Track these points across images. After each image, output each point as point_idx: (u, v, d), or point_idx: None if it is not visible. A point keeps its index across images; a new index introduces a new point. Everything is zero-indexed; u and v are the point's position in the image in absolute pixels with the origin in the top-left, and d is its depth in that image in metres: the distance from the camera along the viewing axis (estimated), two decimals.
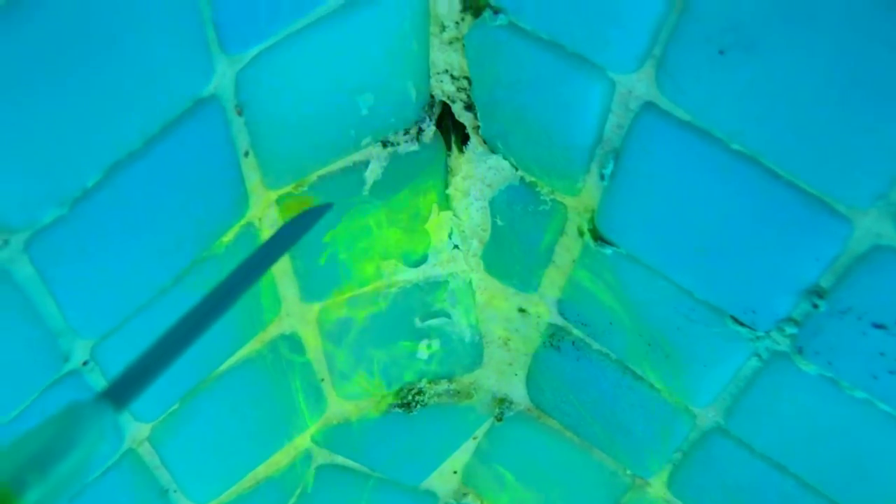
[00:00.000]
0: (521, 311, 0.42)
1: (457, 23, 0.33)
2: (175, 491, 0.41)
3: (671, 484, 0.42)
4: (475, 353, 0.45)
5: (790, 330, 0.31)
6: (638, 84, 0.30)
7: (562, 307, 0.40)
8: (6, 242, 0.25)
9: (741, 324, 0.33)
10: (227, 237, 0.34)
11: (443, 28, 0.34)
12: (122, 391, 0.23)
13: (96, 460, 0.21)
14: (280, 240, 0.31)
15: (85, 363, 0.31)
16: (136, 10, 0.24)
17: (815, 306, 0.30)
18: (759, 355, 0.33)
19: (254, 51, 0.29)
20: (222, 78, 0.29)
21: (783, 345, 0.32)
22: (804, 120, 0.26)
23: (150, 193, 0.29)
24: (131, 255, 0.30)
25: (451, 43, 0.34)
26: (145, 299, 0.32)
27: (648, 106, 0.30)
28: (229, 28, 0.28)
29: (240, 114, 0.30)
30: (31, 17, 0.22)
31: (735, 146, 0.28)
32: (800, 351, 0.31)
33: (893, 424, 0.31)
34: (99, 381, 0.32)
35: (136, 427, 0.36)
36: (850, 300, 0.29)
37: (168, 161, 0.28)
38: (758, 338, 0.32)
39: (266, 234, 0.36)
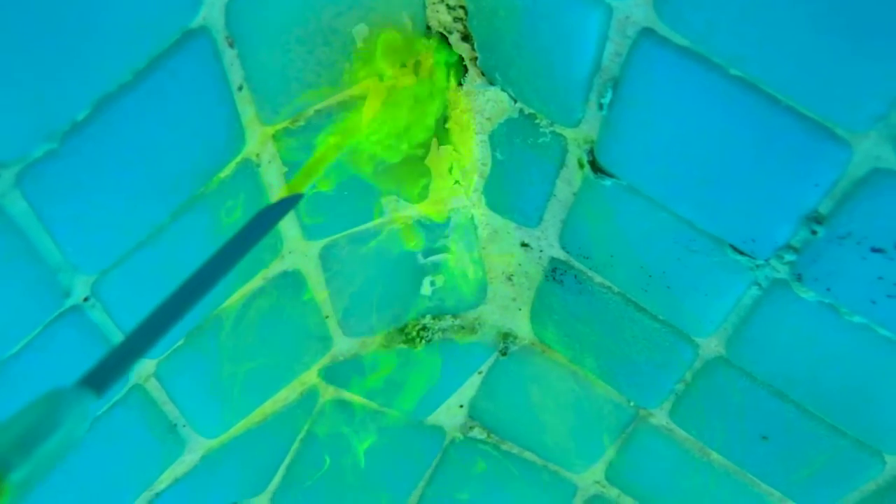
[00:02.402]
0: (524, 245, 0.42)
1: None
2: (184, 426, 0.41)
3: (674, 414, 0.42)
4: (479, 289, 0.46)
5: (789, 257, 0.31)
6: (636, 9, 0.29)
7: (564, 241, 0.40)
8: None
9: (741, 253, 0.32)
10: (225, 173, 0.34)
11: None
12: (103, 376, 0.24)
13: (77, 441, 0.22)
14: (254, 228, 0.31)
15: (86, 299, 0.31)
16: None
17: (814, 233, 0.29)
18: (758, 284, 0.33)
19: None
20: (211, 8, 0.28)
21: (782, 272, 0.32)
22: (803, 43, 0.25)
23: (142, 127, 0.28)
24: (126, 190, 0.30)
25: None
26: (144, 235, 0.32)
27: (646, 32, 0.29)
28: None
29: (231, 45, 0.30)
30: None
31: (734, 72, 0.28)
32: (799, 278, 0.31)
33: (892, 349, 0.31)
34: (101, 318, 0.32)
35: (141, 363, 0.37)
36: (849, 225, 0.28)
37: (159, 94, 0.28)
38: (757, 266, 0.32)
39: (265, 170, 0.35)
